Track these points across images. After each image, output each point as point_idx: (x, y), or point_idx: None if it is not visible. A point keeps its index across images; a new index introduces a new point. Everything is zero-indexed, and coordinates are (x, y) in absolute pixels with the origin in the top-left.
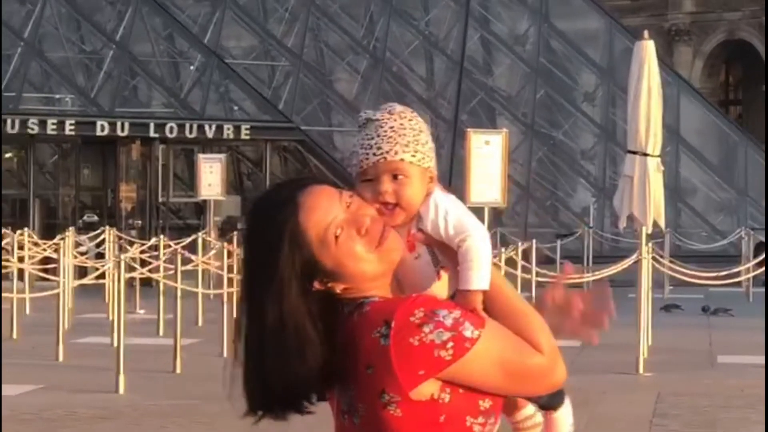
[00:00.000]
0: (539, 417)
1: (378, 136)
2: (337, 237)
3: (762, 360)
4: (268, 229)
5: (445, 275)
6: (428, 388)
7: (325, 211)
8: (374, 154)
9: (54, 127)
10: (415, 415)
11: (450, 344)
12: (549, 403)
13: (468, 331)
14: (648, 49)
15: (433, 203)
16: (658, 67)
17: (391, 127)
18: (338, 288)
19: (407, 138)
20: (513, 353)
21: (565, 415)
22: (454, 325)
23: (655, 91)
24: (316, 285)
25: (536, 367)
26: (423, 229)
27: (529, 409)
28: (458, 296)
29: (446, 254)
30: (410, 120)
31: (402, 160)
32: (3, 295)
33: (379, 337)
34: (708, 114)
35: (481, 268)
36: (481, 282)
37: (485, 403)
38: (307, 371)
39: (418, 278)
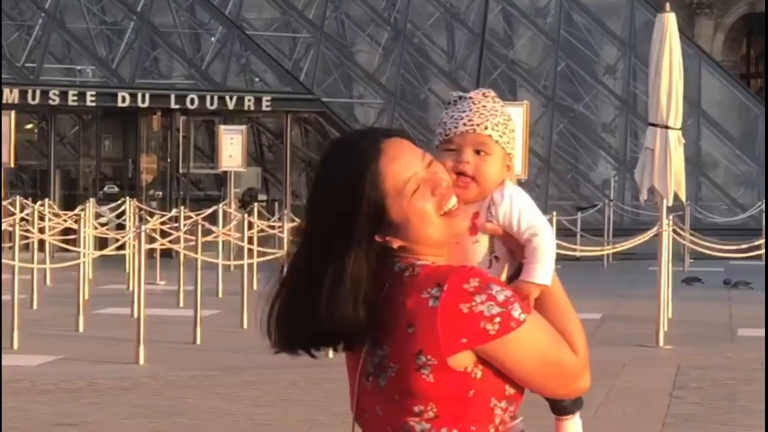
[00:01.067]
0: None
1: (470, 110)
2: (414, 192)
3: None
4: (349, 168)
5: (496, 265)
6: (464, 360)
7: (407, 163)
8: (464, 125)
9: (75, 98)
10: (446, 383)
11: (497, 319)
12: (569, 409)
13: (516, 312)
14: (669, 21)
15: (509, 194)
16: (679, 40)
17: (484, 106)
18: (395, 243)
19: (498, 119)
20: (552, 347)
21: (577, 425)
22: (504, 303)
23: (676, 64)
24: (377, 237)
25: (570, 366)
26: (492, 218)
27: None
28: (519, 285)
29: (507, 245)
30: (502, 106)
31: (490, 136)
32: (23, 265)
33: (429, 298)
34: (729, 87)
35: (546, 265)
36: (545, 277)
37: (510, 389)
38: (352, 320)
39: (470, 261)
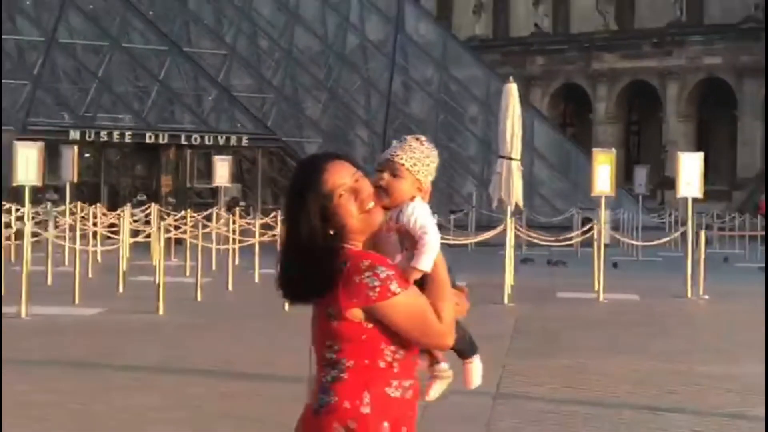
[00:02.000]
0: (450, 372)
1: (399, 147)
2: (340, 195)
3: (588, 295)
4: (305, 178)
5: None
6: (358, 315)
7: (340, 176)
8: (389, 154)
9: (118, 137)
10: (345, 329)
11: (377, 290)
12: (467, 353)
13: (393, 285)
14: (513, 89)
15: (412, 205)
16: (518, 101)
17: (410, 145)
18: (332, 230)
19: (415, 154)
20: (419, 312)
21: (476, 368)
22: (384, 279)
23: (517, 116)
24: (330, 228)
25: (432, 327)
26: (399, 220)
27: (444, 365)
28: (406, 269)
29: (409, 241)
30: (426, 147)
31: (403, 164)
32: (83, 248)
33: (338, 270)
34: (552, 132)
35: (426, 257)
36: (424, 265)
37: (396, 339)
38: (312, 277)
39: (387, 250)
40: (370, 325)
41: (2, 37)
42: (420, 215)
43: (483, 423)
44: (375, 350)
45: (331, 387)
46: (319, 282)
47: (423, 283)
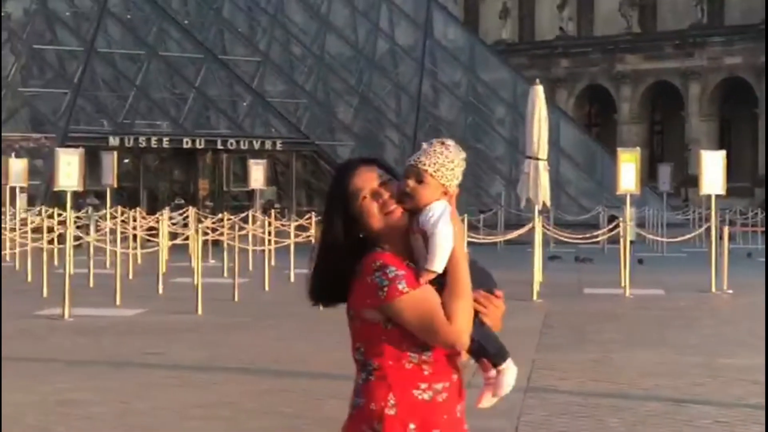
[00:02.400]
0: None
1: (424, 152)
2: (364, 198)
3: (615, 291)
4: (337, 183)
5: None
6: (375, 315)
7: (364, 180)
8: (413, 160)
9: (156, 143)
10: (364, 329)
11: (386, 289)
12: (496, 361)
13: (401, 285)
14: (539, 91)
15: (430, 209)
16: (544, 102)
17: (434, 150)
18: (362, 234)
19: (439, 159)
20: (428, 313)
21: (509, 375)
22: (393, 279)
23: (543, 118)
24: (359, 231)
25: (441, 328)
26: (420, 223)
27: (493, 372)
28: (418, 269)
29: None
30: (449, 151)
31: (426, 170)
32: (123, 250)
33: (355, 273)
34: (578, 133)
35: (436, 259)
36: (434, 266)
37: (420, 340)
38: (332, 279)
39: (417, 253)
40: (390, 326)
41: (44, 47)
42: (435, 217)
43: (514, 416)
44: (397, 352)
45: (361, 389)
46: (337, 283)
47: (438, 282)
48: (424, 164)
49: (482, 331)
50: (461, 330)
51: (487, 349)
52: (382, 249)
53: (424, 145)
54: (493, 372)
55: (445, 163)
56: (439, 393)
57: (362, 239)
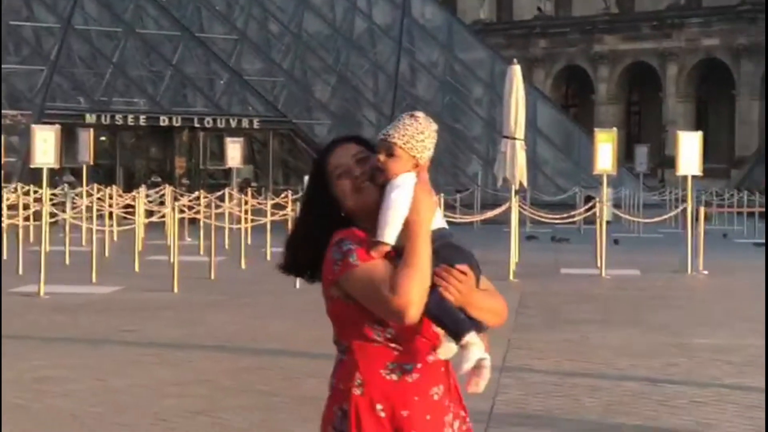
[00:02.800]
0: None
1: (394, 125)
2: (338, 176)
3: (591, 271)
4: (317, 164)
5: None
6: (336, 291)
7: (339, 157)
8: (383, 134)
9: (132, 120)
10: (332, 307)
11: (339, 263)
12: (453, 334)
13: (352, 258)
14: (516, 71)
15: (394, 181)
16: (522, 82)
17: (404, 123)
18: (342, 213)
19: (408, 131)
20: (374, 285)
21: (473, 350)
22: (346, 252)
23: (520, 97)
24: (341, 210)
25: (385, 300)
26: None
27: (475, 355)
28: (373, 242)
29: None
30: (419, 122)
31: (395, 143)
32: (99, 228)
33: None
34: (555, 113)
35: (388, 228)
36: (385, 237)
37: (378, 316)
38: (305, 255)
39: None
40: (350, 302)
41: (20, 24)
42: (394, 190)
43: (489, 396)
44: (361, 329)
45: (334, 369)
46: (314, 260)
47: (394, 254)
48: (393, 137)
49: (441, 305)
50: (408, 301)
51: (444, 323)
52: (358, 227)
53: (400, 116)
54: (469, 349)
55: (415, 135)
56: (408, 373)
57: (344, 218)
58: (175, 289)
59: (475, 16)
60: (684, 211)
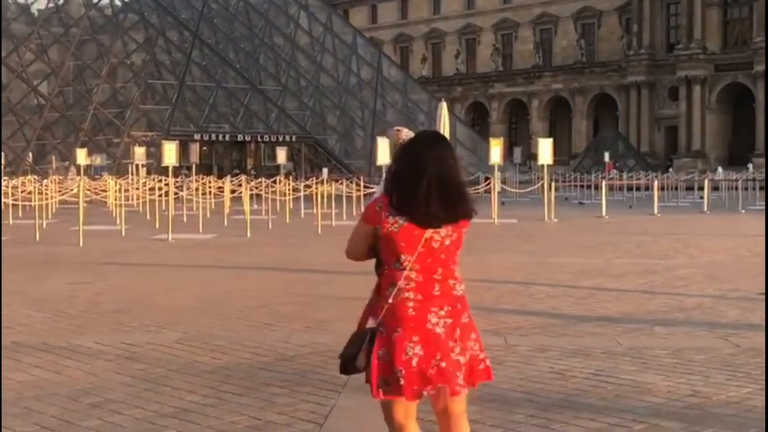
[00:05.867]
0: None
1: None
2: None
3: (486, 221)
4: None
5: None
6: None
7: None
8: (404, 139)
9: (221, 137)
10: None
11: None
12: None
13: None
14: (444, 106)
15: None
16: (447, 112)
17: (407, 133)
18: None
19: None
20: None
21: None
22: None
23: (447, 121)
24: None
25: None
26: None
27: None
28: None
29: None
30: (399, 132)
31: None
32: (204, 201)
33: None
34: (467, 129)
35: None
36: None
37: (402, 255)
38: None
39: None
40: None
41: (154, 81)
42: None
43: None
44: (387, 258)
45: (379, 280)
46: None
47: None
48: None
49: None
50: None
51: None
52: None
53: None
54: None
55: (395, 143)
56: (402, 291)
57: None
58: (248, 235)
59: (420, 73)
60: (542, 185)
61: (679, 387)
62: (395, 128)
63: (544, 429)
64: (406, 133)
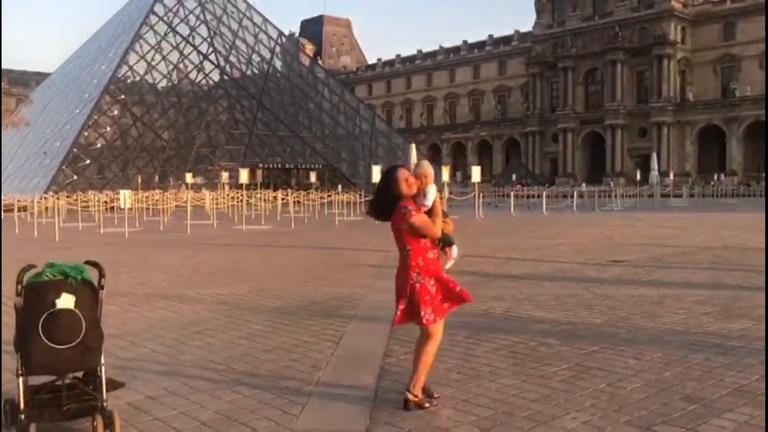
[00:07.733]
0: (455, 253)
1: (419, 164)
2: (406, 179)
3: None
4: (386, 174)
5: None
6: (404, 225)
7: (403, 173)
8: (416, 171)
9: (276, 165)
10: (401, 234)
11: (407, 213)
12: (447, 244)
13: (413, 212)
14: (413, 147)
15: (431, 186)
16: (416, 151)
17: (421, 164)
18: (397, 194)
19: (424, 168)
20: (426, 222)
21: (455, 251)
22: (409, 209)
23: (415, 157)
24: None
25: (431, 229)
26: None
27: (454, 249)
28: (421, 206)
29: (418, 198)
30: (424, 164)
31: (424, 172)
32: (264, 205)
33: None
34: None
35: (426, 201)
36: (428, 204)
37: (425, 240)
38: (380, 209)
39: (417, 202)
40: (409, 230)
41: (231, 131)
42: (430, 189)
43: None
44: (416, 240)
45: (406, 258)
46: (386, 211)
47: (429, 213)
48: (423, 169)
49: (448, 237)
50: (437, 231)
51: (449, 239)
52: (405, 199)
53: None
54: (451, 250)
55: (426, 169)
56: (433, 254)
57: (397, 196)
58: (292, 226)
59: (399, 125)
60: (474, 195)
61: (558, 318)
62: (421, 160)
63: (475, 343)
64: (425, 165)
